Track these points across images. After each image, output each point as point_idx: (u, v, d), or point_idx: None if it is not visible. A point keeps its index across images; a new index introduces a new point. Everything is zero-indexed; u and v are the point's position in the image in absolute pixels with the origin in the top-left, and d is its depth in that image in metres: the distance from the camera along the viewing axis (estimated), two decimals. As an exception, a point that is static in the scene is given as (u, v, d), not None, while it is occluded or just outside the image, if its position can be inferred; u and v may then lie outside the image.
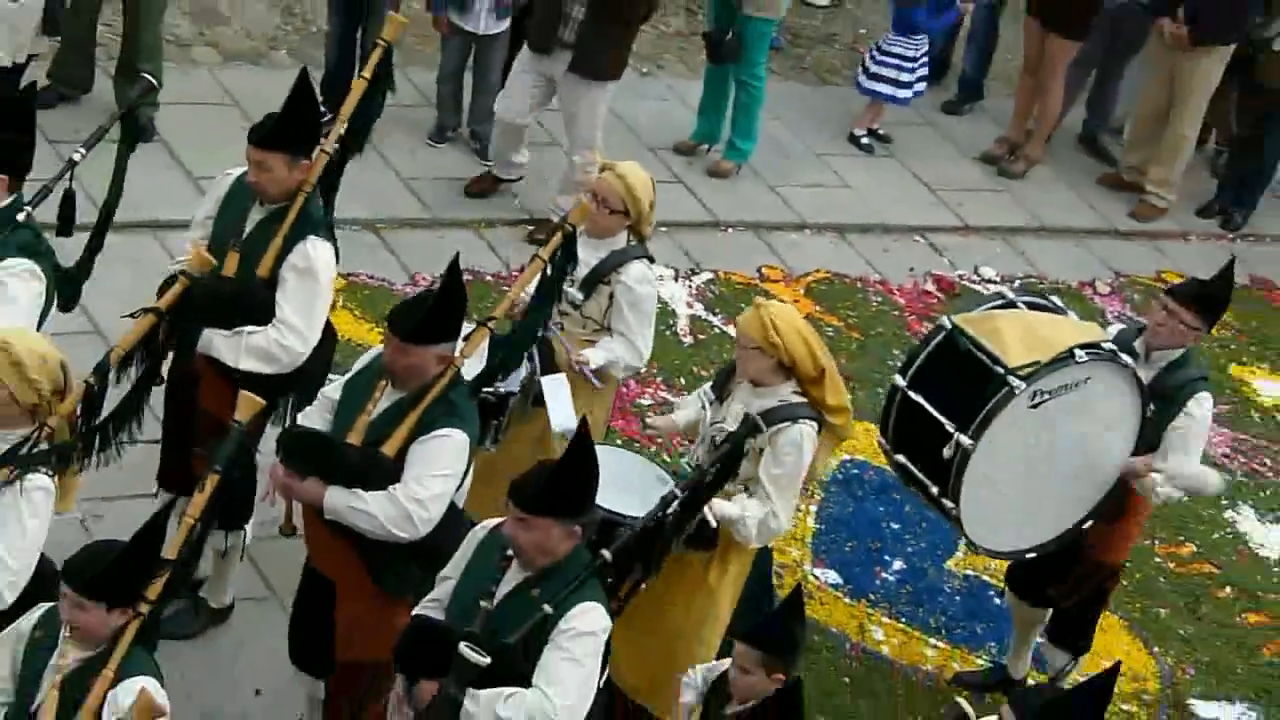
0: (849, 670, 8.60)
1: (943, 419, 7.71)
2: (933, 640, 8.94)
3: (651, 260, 8.13)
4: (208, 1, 11.39)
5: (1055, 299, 9.26)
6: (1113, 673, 6.20)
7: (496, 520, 6.23)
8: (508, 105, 10.70)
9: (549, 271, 7.48)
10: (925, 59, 11.99)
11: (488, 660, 5.74)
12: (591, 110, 10.47)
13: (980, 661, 8.75)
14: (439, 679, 5.95)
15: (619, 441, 8.44)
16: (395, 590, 6.76)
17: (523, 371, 7.67)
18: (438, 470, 6.60)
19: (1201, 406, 7.91)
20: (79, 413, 6.27)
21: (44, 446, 6.02)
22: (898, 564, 9.33)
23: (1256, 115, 11.77)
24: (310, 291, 7.34)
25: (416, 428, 6.59)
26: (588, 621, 5.93)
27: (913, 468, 8.00)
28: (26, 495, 5.91)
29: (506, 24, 11.63)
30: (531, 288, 7.58)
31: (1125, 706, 8.85)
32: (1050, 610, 8.29)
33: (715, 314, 10.24)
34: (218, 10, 11.57)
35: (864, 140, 11.94)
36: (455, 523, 6.70)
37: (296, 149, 7.27)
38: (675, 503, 6.82)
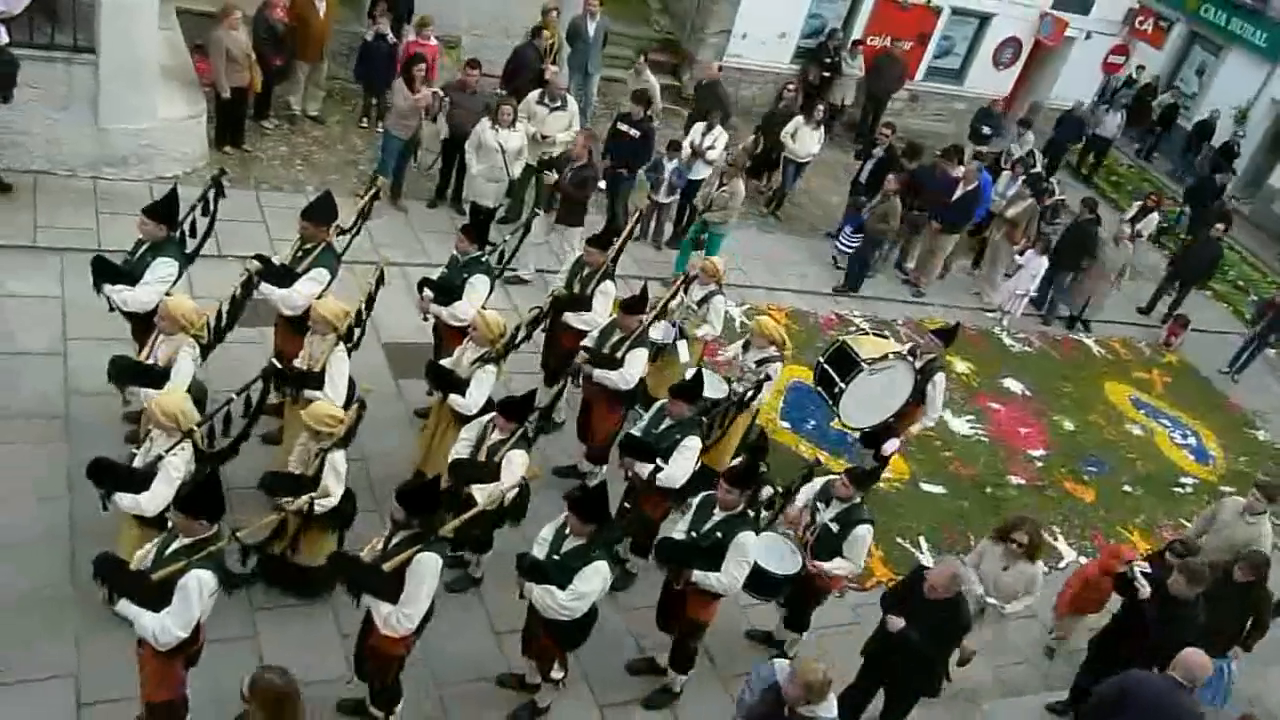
0: (791, 459, 8.77)
1: (836, 376, 8.05)
2: (822, 452, 9.15)
3: (724, 295, 8.21)
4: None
5: (885, 330, 10.24)
6: (884, 465, 7.05)
7: (663, 400, 6.46)
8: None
9: (681, 293, 7.80)
10: (857, 241, 11.79)
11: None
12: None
13: (844, 462, 8.81)
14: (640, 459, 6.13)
15: (707, 365, 8.34)
16: (611, 409, 7.01)
17: (672, 334, 7.81)
18: (637, 363, 6.85)
19: (940, 379, 8.15)
20: (507, 341, 6.41)
21: (490, 354, 6.24)
22: (811, 422, 9.51)
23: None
24: (606, 299, 7.49)
25: (628, 348, 6.89)
26: (692, 444, 6.24)
27: (822, 392, 8.27)
28: (488, 372, 6.22)
29: (676, 196, 11.23)
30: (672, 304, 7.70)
31: (886, 474, 8.96)
32: (873, 451, 8.27)
33: (747, 317, 10.39)
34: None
35: (839, 263, 11.88)
36: (642, 387, 7.10)
37: (604, 248, 7.55)
38: (737, 398, 7.13)
